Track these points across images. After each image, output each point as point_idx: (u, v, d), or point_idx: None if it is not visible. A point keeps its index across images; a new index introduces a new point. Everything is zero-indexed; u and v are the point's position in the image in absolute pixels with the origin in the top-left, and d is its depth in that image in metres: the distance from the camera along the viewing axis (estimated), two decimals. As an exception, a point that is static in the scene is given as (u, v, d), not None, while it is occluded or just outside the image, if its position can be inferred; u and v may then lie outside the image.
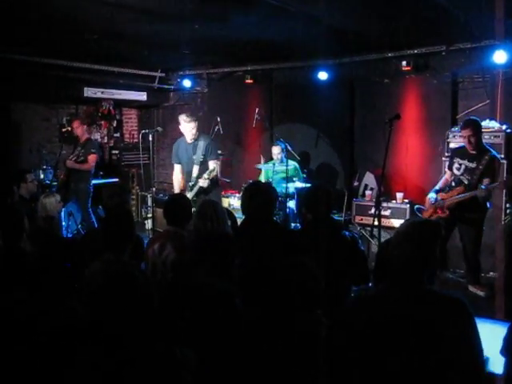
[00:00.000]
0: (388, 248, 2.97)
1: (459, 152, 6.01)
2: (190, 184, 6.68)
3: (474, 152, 5.77)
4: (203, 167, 6.65)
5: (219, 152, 7.58)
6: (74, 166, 7.89)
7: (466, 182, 5.81)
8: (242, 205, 4.29)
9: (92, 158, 7.97)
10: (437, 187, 6.18)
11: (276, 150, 8.05)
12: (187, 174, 6.86)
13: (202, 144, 6.71)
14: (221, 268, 3.11)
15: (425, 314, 2.30)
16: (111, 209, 4.54)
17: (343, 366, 2.45)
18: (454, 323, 2.28)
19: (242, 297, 2.98)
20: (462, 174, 5.88)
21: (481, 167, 5.68)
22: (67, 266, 2.78)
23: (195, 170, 6.69)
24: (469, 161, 5.81)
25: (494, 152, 5.79)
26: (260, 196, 4.15)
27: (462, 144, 6.05)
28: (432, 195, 6.10)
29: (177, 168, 7.01)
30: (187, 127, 6.73)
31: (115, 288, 2.37)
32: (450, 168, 6.07)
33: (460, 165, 5.91)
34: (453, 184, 5.98)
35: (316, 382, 2.56)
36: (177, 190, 6.96)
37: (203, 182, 6.49)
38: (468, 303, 2.35)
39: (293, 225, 7.40)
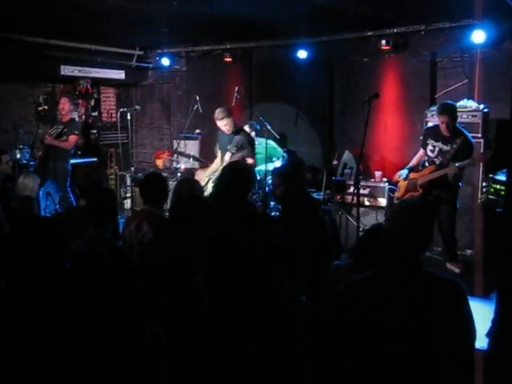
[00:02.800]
0: (376, 231, 3.00)
1: (432, 133, 6.06)
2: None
3: (448, 134, 5.83)
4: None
5: (198, 131, 7.53)
6: (53, 143, 7.79)
7: (437, 163, 5.89)
8: (217, 183, 4.29)
9: (73, 139, 7.89)
10: (410, 165, 6.26)
11: (247, 129, 8.07)
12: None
13: (237, 138, 6.74)
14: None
15: (423, 295, 2.31)
16: (89, 188, 4.51)
17: (342, 348, 2.47)
18: (451, 305, 2.30)
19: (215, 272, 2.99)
20: (436, 157, 5.96)
21: (455, 146, 5.75)
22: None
23: (227, 156, 6.73)
24: (443, 143, 5.89)
25: (467, 134, 5.86)
26: (236, 175, 4.14)
27: (435, 124, 6.11)
28: (403, 171, 6.20)
29: (217, 158, 7.09)
30: (218, 124, 6.73)
31: (86, 266, 2.40)
32: (424, 147, 6.13)
33: (434, 147, 5.98)
34: (426, 164, 6.06)
35: (297, 362, 2.57)
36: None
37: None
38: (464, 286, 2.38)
39: (272, 203, 7.41)
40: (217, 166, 7.02)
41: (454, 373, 2.29)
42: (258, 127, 8.08)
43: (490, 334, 2.42)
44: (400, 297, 2.33)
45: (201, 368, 2.65)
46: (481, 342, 2.56)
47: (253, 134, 8.02)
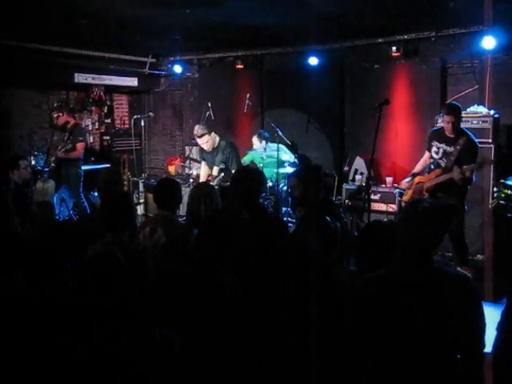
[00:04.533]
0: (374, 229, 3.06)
1: (436, 135, 6.09)
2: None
3: (451, 136, 5.86)
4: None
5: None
6: (64, 156, 7.89)
7: (443, 165, 5.92)
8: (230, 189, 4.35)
9: (80, 146, 7.94)
10: (414, 170, 6.30)
11: (255, 140, 8.13)
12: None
13: (220, 154, 6.69)
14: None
15: (436, 292, 2.35)
16: (111, 192, 4.60)
17: (356, 344, 2.52)
18: (462, 302, 2.34)
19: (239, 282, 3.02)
20: (440, 158, 5.98)
21: (458, 147, 5.79)
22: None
23: (215, 170, 6.73)
24: (446, 144, 5.91)
25: (470, 134, 5.87)
26: (244, 181, 4.21)
27: (439, 126, 6.14)
28: (407, 179, 6.27)
29: (203, 164, 7.04)
30: (198, 141, 6.67)
31: (99, 268, 2.46)
32: (429, 149, 6.17)
33: (438, 149, 6.01)
34: (432, 167, 6.09)
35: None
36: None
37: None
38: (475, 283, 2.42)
39: (284, 209, 7.47)
40: (205, 174, 7.04)
41: (464, 367, 2.34)
42: (267, 134, 8.13)
43: (499, 328, 2.45)
44: (413, 293, 2.37)
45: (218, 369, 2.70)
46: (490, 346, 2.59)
47: (263, 142, 8.07)
